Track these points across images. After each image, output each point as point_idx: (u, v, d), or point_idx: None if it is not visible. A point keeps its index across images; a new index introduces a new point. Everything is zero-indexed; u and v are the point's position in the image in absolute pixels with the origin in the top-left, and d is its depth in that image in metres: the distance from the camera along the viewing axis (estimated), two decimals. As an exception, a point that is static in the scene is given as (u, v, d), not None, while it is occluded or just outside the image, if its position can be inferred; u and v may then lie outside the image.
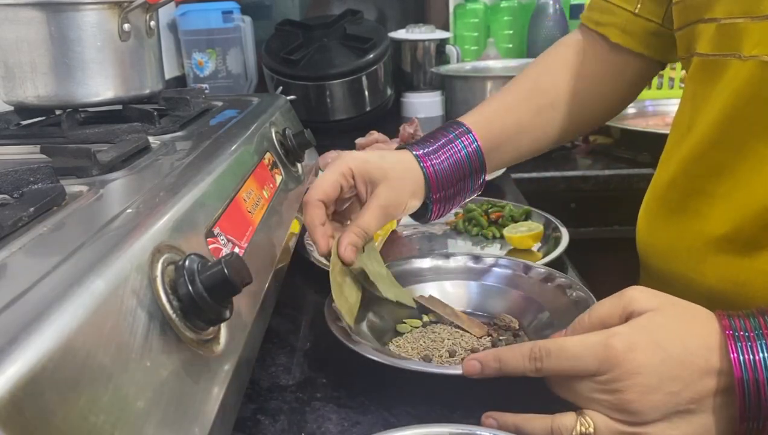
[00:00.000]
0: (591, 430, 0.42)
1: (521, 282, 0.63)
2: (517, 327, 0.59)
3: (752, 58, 0.50)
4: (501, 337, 0.57)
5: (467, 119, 0.66)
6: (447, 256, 0.68)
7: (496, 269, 0.65)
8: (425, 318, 0.61)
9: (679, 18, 0.60)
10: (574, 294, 0.58)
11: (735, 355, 0.40)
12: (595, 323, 0.45)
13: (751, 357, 0.39)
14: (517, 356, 0.45)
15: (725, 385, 0.40)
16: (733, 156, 0.53)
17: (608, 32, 0.68)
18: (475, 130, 0.64)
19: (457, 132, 0.64)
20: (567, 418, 0.43)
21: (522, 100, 0.68)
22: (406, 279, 0.65)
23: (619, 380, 0.40)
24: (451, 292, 0.65)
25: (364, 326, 0.57)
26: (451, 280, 0.65)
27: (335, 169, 0.58)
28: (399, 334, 0.59)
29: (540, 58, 0.73)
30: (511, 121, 0.67)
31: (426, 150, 0.62)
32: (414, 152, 0.62)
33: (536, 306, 0.60)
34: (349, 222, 0.62)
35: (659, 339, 0.41)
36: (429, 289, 0.64)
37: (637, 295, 0.44)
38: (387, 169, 0.59)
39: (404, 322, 0.60)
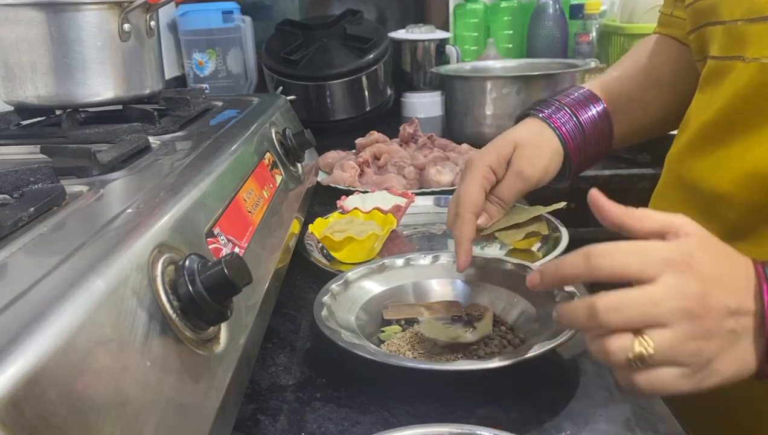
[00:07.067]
0: (650, 350, 0.39)
1: (507, 278, 0.63)
2: (492, 314, 0.60)
3: (754, 61, 0.50)
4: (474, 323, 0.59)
5: (587, 85, 0.68)
6: (434, 255, 0.68)
7: (479, 267, 0.65)
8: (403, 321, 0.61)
9: (691, 21, 0.60)
10: (563, 294, 0.58)
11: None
12: (637, 216, 0.43)
13: None
14: (572, 256, 0.43)
15: (759, 312, 0.41)
16: (729, 152, 0.54)
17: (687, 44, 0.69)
18: (595, 90, 0.66)
19: (586, 95, 0.66)
20: (623, 339, 0.40)
21: (630, 77, 0.70)
22: (393, 278, 0.65)
23: (685, 285, 0.39)
24: (437, 290, 0.65)
25: (356, 330, 0.57)
26: (438, 279, 0.66)
27: (476, 172, 0.59)
28: (382, 342, 0.59)
29: (637, 47, 0.74)
30: (624, 92, 0.68)
31: (549, 110, 0.64)
32: (539, 115, 0.63)
33: (522, 303, 0.60)
34: None
35: (716, 255, 0.42)
36: (417, 288, 0.65)
37: (685, 218, 0.43)
38: (515, 139, 0.60)
39: (383, 331, 0.60)
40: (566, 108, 0.64)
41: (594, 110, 0.65)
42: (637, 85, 0.69)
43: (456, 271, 0.61)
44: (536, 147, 0.61)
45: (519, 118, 0.67)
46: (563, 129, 0.62)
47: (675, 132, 0.66)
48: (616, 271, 0.41)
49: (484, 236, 0.61)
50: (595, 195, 0.45)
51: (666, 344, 0.39)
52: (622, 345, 0.40)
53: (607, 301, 0.40)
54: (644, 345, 0.39)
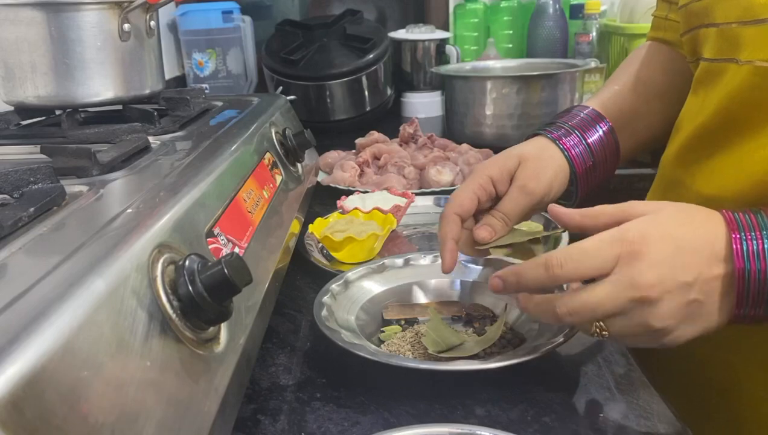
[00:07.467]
0: (605, 333, 0.45)
1: None
2: (492, 315, 0.61)
3: (748, 63, 0.50)
4: (485, 327, 0.59)
5: (590, 103, 0.67)
6: (434, 255, 0.68)
7: (481, 266, 0.65)
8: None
9: (685, 23, 0.60)
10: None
11: (737, 246, 0.42)
12: (591, 214, 0.47)
13: (755, 246, 0.42)
14: (532, 267, 0.46)
15: (728, 272, 0.43)
16: (723, 156, 0.54)
17: (677, 48, 0.68)
18: (602, 111, 0.66)
19: (591, 116, 0.65)
20: (584, 324, 0.46)
21: (629, 90, 0.69)
22: (393, 278, 0.65)
23: (634, 274, 0.42)
24: (437, 290, 0.65)
25: (356, 330, 0.57)
26: (438, 279, 0.65)
27: (473, 180, 0.58)
28: (382, 342, 0.58)
29: (631, 57, 0.74)
30: (626, 106, 0.68)
31: (559, 132, 0.63)
32: (549, 135, 0.63)
33: None
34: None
35: (670, 229, 0.44)
36: (417, 288, 0.65)
37: (635, 203, 0.47)
38: (521, 155, 0.60)
39: (383, 331, 0.60)
40: (576, 131, 0.63)
41: (600, 131, 0.64)
42: (636, 97, 0.69)
43: (442, 272, 0.58)
44: (541, 162, 0.60)
45: (527, 138, 0.66)
46: (572, 151, 0.62)
47: None
48: (577, 276, 0.45)
49: (480, 251, 0.58)
50: (553, 208, 0.50)
51: (618, 329, 0.44)
52: (583, 327, 0.46)
53: (565, 307, 0.45)
54: (600, 328, 0.45)
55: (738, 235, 0.43)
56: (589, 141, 0.63)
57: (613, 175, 0.68)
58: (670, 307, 0.43)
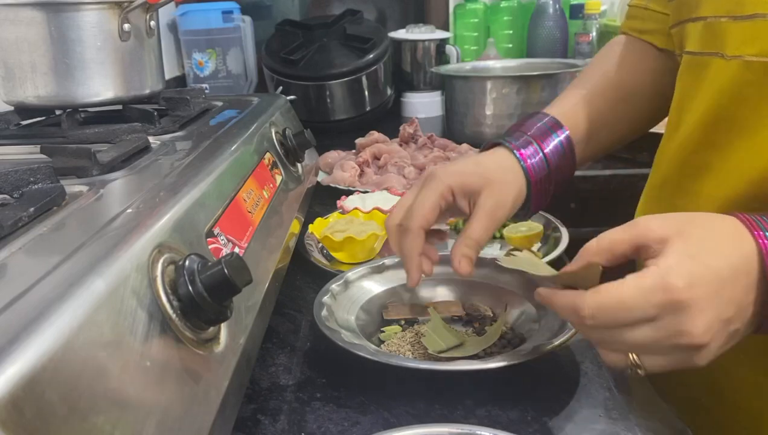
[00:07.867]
0: (641, 372, 0.42)
1: (507, 278, 0.63)
2: (492, 315, 0.61)
3: (735, 58, 0.50)
4: (485, 327, 0.59)
5: (552, 110, 0.65)
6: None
7: (479, 267, 0.65)
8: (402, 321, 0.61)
9: (674, 16, 0.60)
10: None
11: (764, 246, 0.41)
12: (604, 248, 0.43)
13: None
14: (563, 306, 0.44)
15: (760, 293, 0.41)
16: (716, 155, 0.53)
17: (654, 39, 0.67)
18: (563, 121, 0.63)
19: (549, 124, 0.63)
20: (617, 356, 0.43)
21: (597, 94, 0.67)
22: (393, 278, 0.65)
23: (682, 323, 0.39)
24: (437, 290, 0.65)
25: (356, 330, 0.57)
26: (438, 279, 0.66)
27: (432, 190, 0.56)
28: (382, 342, 0.59)
29: (602, 54, 0.72)
30: (593, 113, 0.66)
31: (522, 145, 0.60)
32: (514, 151, 0.59)
33: (523, 303, 0.60)
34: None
35: (709, 262, 0.40)
36: (417, 288, 0.65)
37: (651, 224, 0.42)
38: (487, 176, 0.57)
39: (383, 331, 0.60)
40: (534, 141, 0.61)
41: (557, 139, 0.62)
42: (604, 102, 0.67)
43: (408, 286, 0.58)
44: (505, 185, 0.57)
45: (486, 146, 0.63)
46: (528, 162, 0.59)
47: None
48: (609, 328, 0.42)
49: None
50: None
51: (657, 367, 0.42)
52: (616, 359, 0.43)
53: (601, 337, 0.43)
54: (636, 363, 0.42)
55: (760, 232, 0.41)
56: (545, 151, 0.61)
57: (569, 182, 0.65)
58: (716, 346, 0.41)
